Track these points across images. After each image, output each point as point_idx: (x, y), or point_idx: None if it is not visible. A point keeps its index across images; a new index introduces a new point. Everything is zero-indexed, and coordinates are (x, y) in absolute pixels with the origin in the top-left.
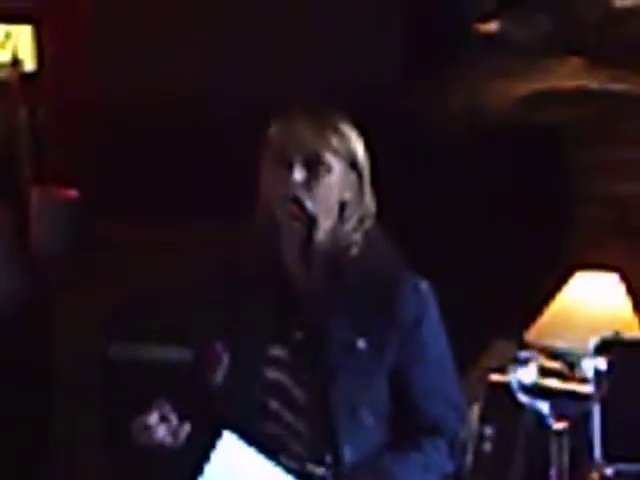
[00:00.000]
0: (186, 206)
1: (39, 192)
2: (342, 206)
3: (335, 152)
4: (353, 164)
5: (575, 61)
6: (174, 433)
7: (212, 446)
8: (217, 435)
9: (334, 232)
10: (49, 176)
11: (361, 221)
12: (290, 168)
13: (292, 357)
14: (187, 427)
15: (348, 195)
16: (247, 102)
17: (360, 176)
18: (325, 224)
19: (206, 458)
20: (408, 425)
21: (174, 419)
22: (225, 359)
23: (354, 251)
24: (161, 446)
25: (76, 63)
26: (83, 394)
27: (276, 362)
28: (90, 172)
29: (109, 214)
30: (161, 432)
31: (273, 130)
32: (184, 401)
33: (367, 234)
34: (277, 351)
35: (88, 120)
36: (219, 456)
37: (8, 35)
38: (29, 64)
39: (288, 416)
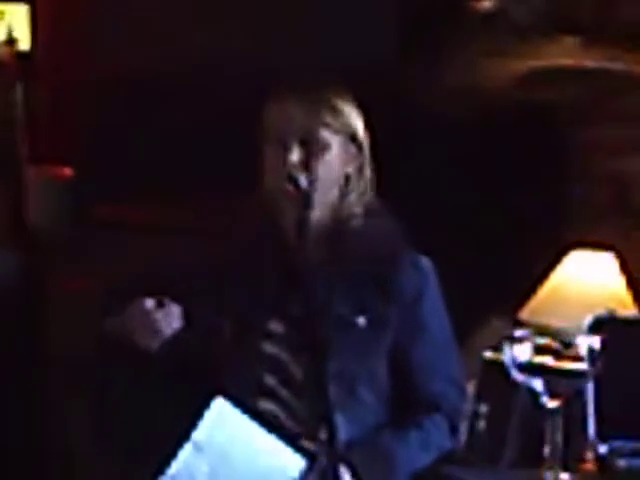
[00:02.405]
0: (186, 185)
1: (35, 171)
2: (345, 180)
3: (330, 128)
4: (352, 137)
5: (571, 40)
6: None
7: (201, 412)
8: (208, 401)
9: (335, 207)
10: (45, 155)
11: (362, 194)
12: (286, 148)
13: (290, 332)
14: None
15: (349, 169)
16: (247, 80)
17: (360, 148)
18: (325, 200)
19: (194, 424)
20: (407, 402)
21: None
22: (224, 333)
23: (354, 224)
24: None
25: (71, 42)
26: (79, 371)
27: (274, 337)
28: (86, 151)
29: (105, 193)
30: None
31: (267, 110)
32: (182, 373)
33: (367, 210)
34: (275, 326)
35: (84, 99)
36: (209, 420)
37: (2, 14)
38: (24, 43)
39: (284, 392)
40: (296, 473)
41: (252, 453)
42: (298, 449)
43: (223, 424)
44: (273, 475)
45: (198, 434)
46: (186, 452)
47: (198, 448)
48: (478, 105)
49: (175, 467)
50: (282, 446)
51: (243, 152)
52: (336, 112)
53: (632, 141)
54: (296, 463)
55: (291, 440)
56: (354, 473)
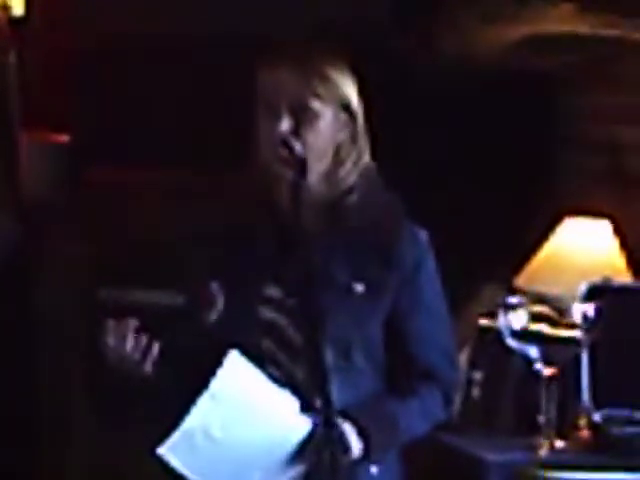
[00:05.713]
0: (181, 150)
1: (28, 137)
2: (337, 148)
3: (321, 98)
4: (344, 107)
5: (566, 6)
6: (144, 350)
7: (218, 365)
8: (223, 354)
9: (329, 175)
10: (39, 120)
11: (356, 162)
12: (277, 116)
13: (287, 298)
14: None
15: (341, 137)
16: (245, 46)
17: (353, 117)
18: (318, 168)
19: (212, 375)
20: (402, 371)
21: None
22: (220, 299)
23: (353, 198)
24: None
25: (66, 7)
26: (70, 338)
27: (271, 302)
28: (80, 116)
29: (99, 158)
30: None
31: (260, 78)
32: (176, 342)
33: (364, 180)
34: (272, 291)
35: (78, 65)
36: (225, 373)
37: None
38: (18, 8)
39: (282, 357)
40: (305, 430)
41: (265, 406)
42: (308, 406)
43: (237, 376)
44: (284, 430)
45: (214, 385)
46: (202, 403)
47: (214, 398)
48: (472, 71)
49: (190, 420)
50: (294, 401)
51: (243, 117)
52: (328, 82)
53: (627, 108)
54: (305, 422)
55: (302, 397)
56: (361, 433)
